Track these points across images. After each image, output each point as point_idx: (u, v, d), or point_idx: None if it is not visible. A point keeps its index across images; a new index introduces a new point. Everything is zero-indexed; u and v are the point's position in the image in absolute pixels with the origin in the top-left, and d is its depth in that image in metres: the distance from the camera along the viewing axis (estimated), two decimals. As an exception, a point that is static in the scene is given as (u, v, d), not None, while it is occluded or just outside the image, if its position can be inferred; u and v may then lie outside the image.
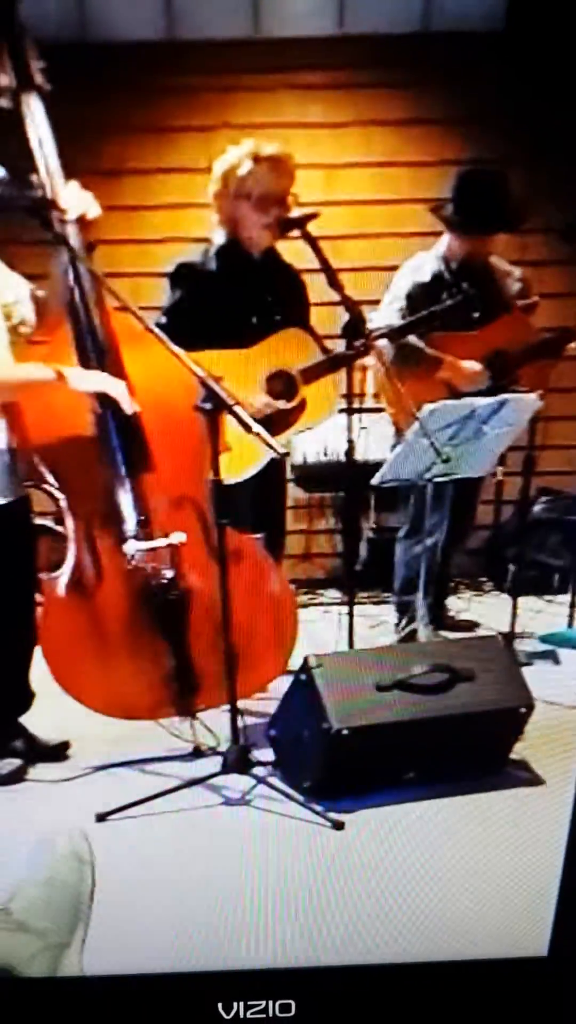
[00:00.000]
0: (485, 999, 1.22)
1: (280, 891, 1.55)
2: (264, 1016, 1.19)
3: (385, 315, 2.54)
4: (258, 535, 2.13)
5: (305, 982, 1.28)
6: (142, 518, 1.97)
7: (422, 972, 1.29)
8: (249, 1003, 1.19)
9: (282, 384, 2.27)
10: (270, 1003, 1.19)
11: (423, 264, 2.62)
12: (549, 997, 1.20)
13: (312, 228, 2.16)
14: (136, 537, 1.95)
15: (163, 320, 2.19)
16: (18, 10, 1.91)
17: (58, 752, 2.08)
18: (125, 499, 1.97)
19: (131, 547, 1.93)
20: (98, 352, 1.96)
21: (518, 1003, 1.20)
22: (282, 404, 2.26)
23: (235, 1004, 1.19)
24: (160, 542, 1.94)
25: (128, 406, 1.91)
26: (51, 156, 1.93)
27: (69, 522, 2.00)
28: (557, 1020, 1.20)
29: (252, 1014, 1.19)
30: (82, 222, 1.93)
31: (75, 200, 1.92)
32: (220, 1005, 1.19)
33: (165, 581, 1.96)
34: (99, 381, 1.91)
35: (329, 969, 1.36)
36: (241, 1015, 1.19)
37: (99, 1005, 1.25)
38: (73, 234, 1.91)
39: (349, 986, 1.28)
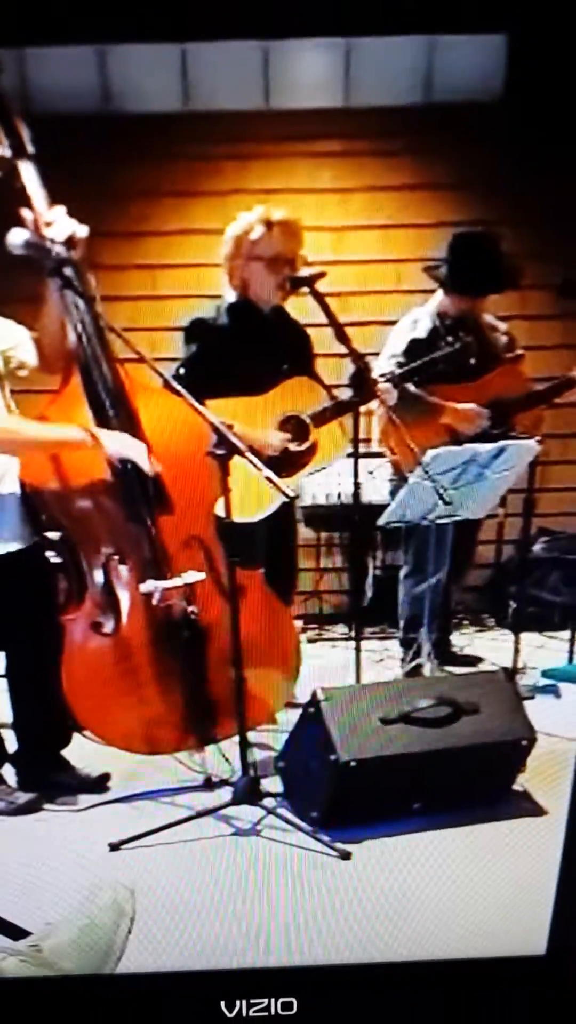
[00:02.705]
0: (484, 997, 1.23)
1: (286, 912, 1.58)
2: (266, 1014, 1.20)
3: (385, 367, 2.63)
4: (260, 569, 2.19)
5: (306, 981, 1.29)
6: (160, 558, 2.02)
7: (422, 971, 1.31)
8: (251, 1001, 1.20)
9: (294, 428, 2.38)
10: (272, 1001, 1.20)
11: (419, 320, 2.73)
12: (547, 995, 1.22)
13: (320, 286, 2.27)
14: (156, 576, 1.99)
15: (181, 372, 2.28)
16: (1, 80, 1.95)
17: (99, 784, 2.10)
18: (144, 540, 2.02)
19: (150, 586, 1.97)
20: (113, 404, 2.00)
21: (517, 1001, 1.22)
22: (294, 446, 2.36)
23: (237, 1002, 1.20)
24: (179, 580, 1.98)
25: (148, 468, 1.97)
26: (44, 213, 1.97)
27: (86, 563, 2.03)
28: (555, 1018, 1.21)
29: (254, 1012, 1.20)
30: (71, 242, 1.95)
31: (62, 221, 1.95)
32: (223, 1003, 1.20)
33: (184, 618, 2.00)
34: (129, 446, 1.95)
35: (330, 968, 1.38)
36: (243, 1013, 1.20)
37: (103, 1003, 1.26)
38: (64, 252, 1.92)
39: (350, 985, 1.29)
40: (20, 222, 1.93)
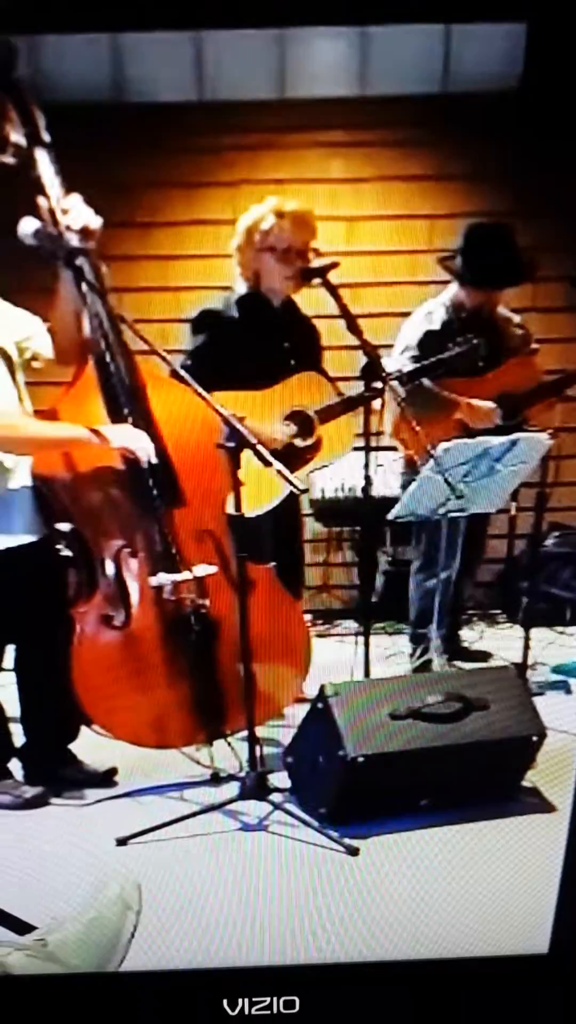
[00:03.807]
0: (487, 996, 1.23)
1: (292, 908, 1.58)
2: (268, 1013, 1.20)
3: (398, 362, 2.62)
4: (272, 564, 2.19)
5: (309, 979, 1.29)
6: (172, 551, 2.02)
7: (424, 969, 1.30)
8: (254, 1000, 1.20)
9: (299, 423, 2.37)
10: (274, 1000, 1.20)
11: (433, 313, 2.71)
12: (550, 994, 1.22)
13: (332, 277, 2.25)
14: (166, 569, 1.99)
15: (188, 363, 2.28)
16: (18, 68, 1.93)
17: (106, 778, 2.10)
18: (155, 533, 2.02)
19: (162, 579, 1.98)
20: (127, 396, 2.00)
21: (519, 1000, 1.22)
22: (299, 441, 2.35)
23: (240, 1001, 1.20)
24: (190, 574, 1.98)
25: (146, 459, 1.95)
26: (60, 200, 1.95)
27: (96, 556, 2.03)
28: (558, 1017, 1.21)
29: (256, 1011, 1.20)
30: (85, 232, 1.94)
31: (78, 210, 1.94)
32: (225, 1002, 1.20)
33: (194, 611, 2.00)
34: (131, 437, 1.95)
35: (332, 966, 1.37)
36: (246, 1011, 1.20)
37: (106, 1001, 1.26)
38: (78, 242, 1.91)
39: (352, 983, 1.29)
40: (36, 210, 1.92)
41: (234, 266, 2.40)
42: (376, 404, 2.31)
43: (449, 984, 1.28)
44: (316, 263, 2.29)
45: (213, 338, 2.35)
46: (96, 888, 1.50)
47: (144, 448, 1.96)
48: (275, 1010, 1.20)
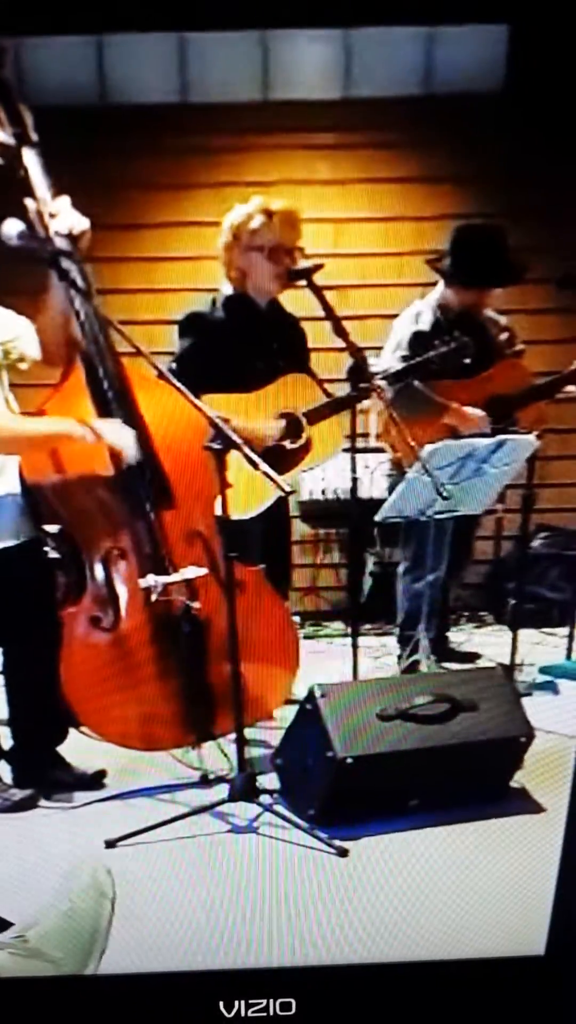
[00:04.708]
0: (483, 998, 1.23)
1: (283, 910, 1.58)
2: (265, 1015, 1.20)
3: (388, 361, 2.63)
4: (261, 566, 2.19)
5: (305, 981, 1.29)
6: (161, 552, 2.01)
7: (421, 971, 1.31)
8: (250, 1002, 1.20)
9: (288, 425, 2.36)
10: (271, 1002, 1.20)
11: (421, 313, 2.71)
12: (546, 996, 1.22)
13: (319, 278, 2.26)
14: (156, 571, 1.99)
15: (174, 366, 2.27)
16: (4, 67, 1.92)
17: (95, 781, 2.09)
18: (144, 534, 2.01)
19: (151, 580, 1.97)
20: (116, 397, 1.99)
21: (515, 1002, 1.22)
22: (288, 443, 2.35)
23: (236, 1003, 1.20)
24: (179, 576, 1.98)
25: (134, 456, 1.95)
26: (48, 202, 1.95)
27: (86, 558, 2.03)
28: (554, 1019, 1.21)
29: (253, 1013, 1.20)
30: (73, 236, 1.93)
31: (67, 213, 1.94)
32: (221, 1004, 1.20)
33: (183, 613, 2.00)
34: (119, 434, 1.94)
35: (329, 968, 1.38)
36: (242, 1014, 1.20)
37: (102, 1004, 1.26)
38: (65, 245, 1.91)
39: (348, 985, 1.29)
40: (22, 212, 1.90)
41: (220, 266, 2.40)
42: (366, 403, 2.31)
43: (444, 986, 1.28)
44: (301, 264, 2.29)
45: (200, 342, 2.35)
46: (67, 878, 1.50)
47: (127, 447, 1.95)
48: (271, 1012, 1.21)
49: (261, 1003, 1.21)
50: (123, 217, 3.44)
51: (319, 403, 2.37)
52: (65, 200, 1.95)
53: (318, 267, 2.28)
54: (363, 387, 2.28)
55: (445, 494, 2.23)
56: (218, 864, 1.77)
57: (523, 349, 2.83)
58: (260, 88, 3.42)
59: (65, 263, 1.90)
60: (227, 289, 2.41)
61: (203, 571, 2.01)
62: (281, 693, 2.21)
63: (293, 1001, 1.21)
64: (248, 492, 2.09)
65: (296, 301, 2.45)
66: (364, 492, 2.50)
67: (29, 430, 1.94)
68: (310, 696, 1.91)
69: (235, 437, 1.82)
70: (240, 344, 2.34)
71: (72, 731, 2.10)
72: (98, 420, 1.96)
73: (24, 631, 2.02)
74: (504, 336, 2.82)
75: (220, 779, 2.02)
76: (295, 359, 2.43)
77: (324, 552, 3.73)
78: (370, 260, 3.61)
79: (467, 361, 2.49)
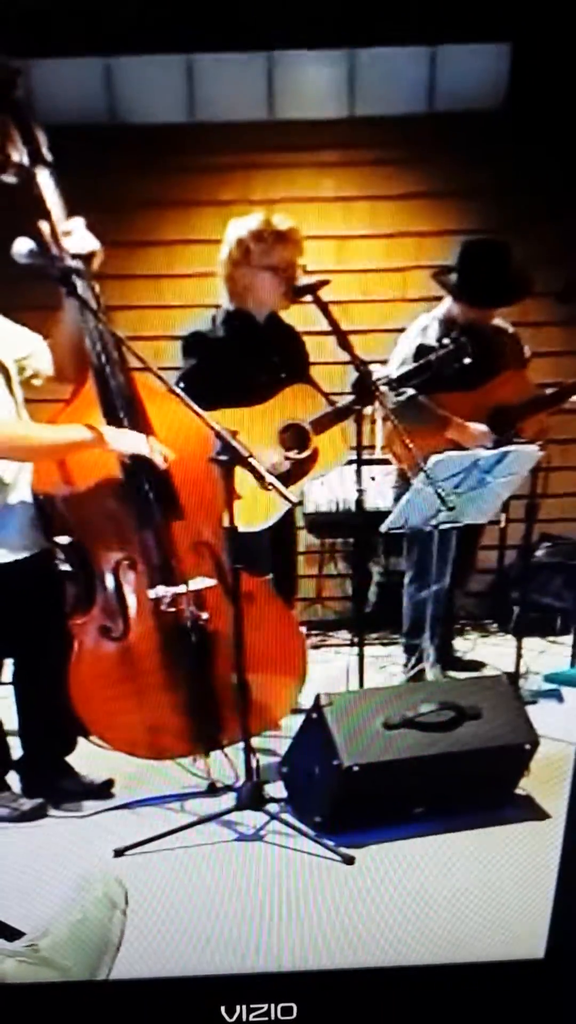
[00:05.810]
0: (483, 1001, 1.24)
1: (288, 916, 1.60)
2: (266, 1019, 1.21)
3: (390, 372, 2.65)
4: (267, 576, 2.20)
5: (306, 985, 1.30)
6: (170, 563, 2.03)
7: (421, 975, 1.32)
8: (251, 1006, 1.21)
9: (295, 435, 2.39)
10: (272, 1006, 1.21)
11: (428, 327, 2.71)
12: (546, 999, 1.23)
13: (323, 294, 2.28)
14: (164, 582, 2.01)
15: (181, 385, 2.30)
16: (19, 88, 1.95)
17: (103, 790, 2.10)
18: (153, 545, 2.03)
19: (160, 591, 1.99)
20: (127, 410, 2.02)
21: (515, 1005, 1.23)
22: (295, 454, 2.38)
23: (237, 1007, 1.21)
24: (188, 587, 2.00)
25: (161, 463, 1.99)
26: (61, 221, 1.98)
27: (95, 568, 2.04)
28: (554, 1021, 1.22)
29: (254, 1017, 1.21)
30: (84, 256, 1.96)
31: (80, 234, 1.97)
32: (223, 1008, 1.21)
33: (192, 624, 2.01)
34: (136, 442, 1.97)
35: (329, 972, 1.39)
36: (243, 1018, 1.21)
37: (105, 1008, 1.27)
38: (76, 264, 1.93)
39: (349, 989, 1.30)
40: (35, 230, 1.93)
41: (220, 283, 2.41)
42: (368, 412, 2.32)
43: (446, 990, 1.29)
44: (306, 280, 2.31)
45: (203, 360, 2.36)
46: (79, 889, 1.51)
47: (148, 451, 1.96)
48: (272, 1017, 1.21)
49: (263, 1008, 1.21)
50: (131, 234, 3.48)
51: (323, 412, 2.39)
52: (79, 221, 1.98)
53: (324, 283, 2.29)
54: (364, 385, 2.28)
55: (449, 504, 2.25)
56: (225, 871, 1.78)
57: (530, 357, 2.83)
58: (266, 108, 3.46)
59: (74, 281, 1.93)
60: (227, 304, 2.42)
61: (212, 582, 2.03)
62: (288, 702, 2.22)
63: (294, 1006, 1.22)
64: (257, 504, 2.11)
65: (300, 315, 2.47)
66: (370, 503, 2.50)
67: (45, 437, 1.96)
68: (316, 705, 1.93)
69: (242, 449, 1.84)
70: (241, 360, 2.35)
71: (80, 740, 2.12)
72: (111, 428, 1.98)
73: (34, 642, 2.03)
74: (513, 346, 2.80)
75: (227, 788, 2.04)
76: (296, 370, 2.45)
77: (330, 562, 3.74)
78: (372, 275, 3.64)
79: (467, 361, 2.47)
